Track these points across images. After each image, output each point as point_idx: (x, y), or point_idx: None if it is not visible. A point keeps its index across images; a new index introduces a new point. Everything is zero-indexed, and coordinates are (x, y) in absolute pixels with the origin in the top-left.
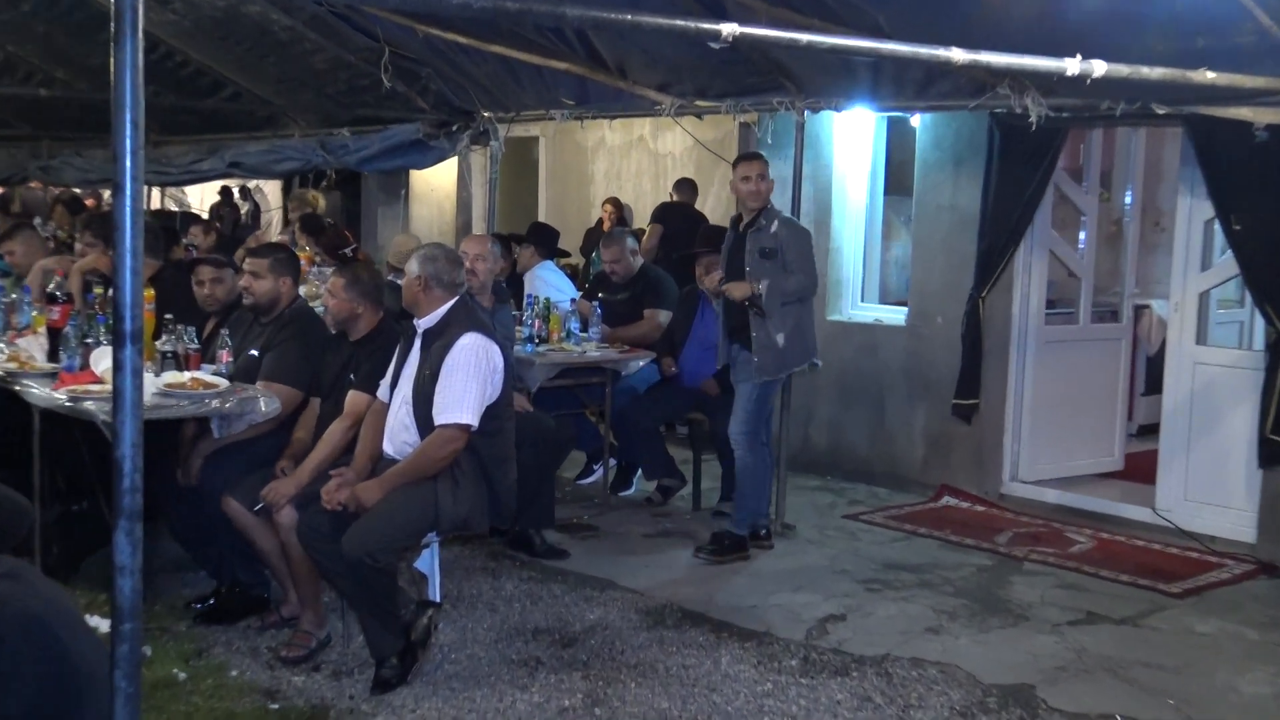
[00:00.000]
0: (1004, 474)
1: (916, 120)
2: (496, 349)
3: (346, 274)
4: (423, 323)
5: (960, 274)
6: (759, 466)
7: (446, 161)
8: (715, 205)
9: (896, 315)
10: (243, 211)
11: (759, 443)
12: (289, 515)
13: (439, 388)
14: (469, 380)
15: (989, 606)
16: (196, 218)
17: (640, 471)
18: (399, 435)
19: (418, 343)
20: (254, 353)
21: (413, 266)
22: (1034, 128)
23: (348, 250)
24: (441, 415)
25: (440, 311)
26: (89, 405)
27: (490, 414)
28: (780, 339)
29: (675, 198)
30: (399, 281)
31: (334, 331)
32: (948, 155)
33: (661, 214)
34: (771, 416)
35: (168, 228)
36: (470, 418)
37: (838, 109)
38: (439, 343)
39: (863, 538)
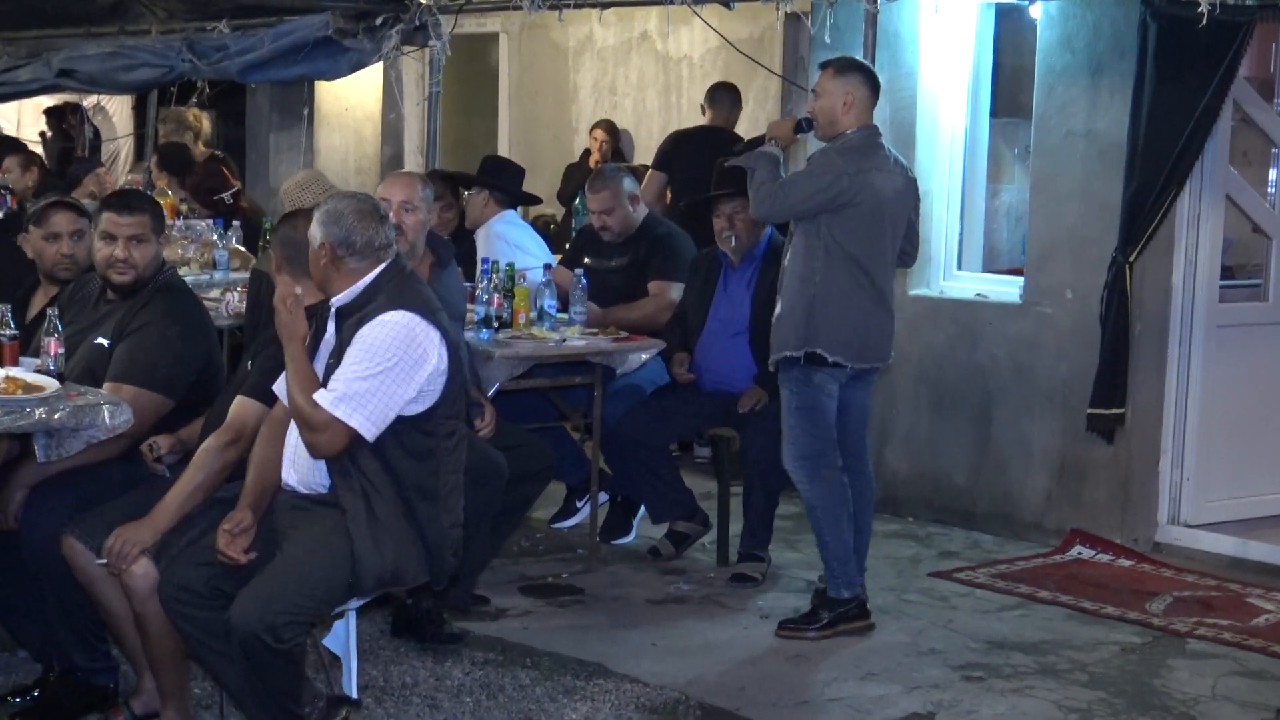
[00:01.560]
0: (1160, 514)
1: (1038, 10)
2: (437, 339)
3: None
4: (338, 299)
5: (1099, 229)
6: (825, 499)
7: (367, 69)
8: (751, 131)
9: (1008, 288)
10: (79, 140)
11: (822, 467)
12: (144, 574)
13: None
14: (373, 368)
15: (1138, 702)
16: (16, 145)
17: (643, 511)
18: (304, 458)
19: (331, 326)
20: (101, 341)
21: (314, 231)
22: (1206, 20)
23: (226, 195)
24: (324, 398)
25: (358, 286)
26: None
27: (420, 428)
28: (779, 307)
29: (708, 115)
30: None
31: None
32: (1082, 60)
33: (671, 152)
34: (853, 427)
35: None
36: (361, 421)
37: None
38: (353, 319)
39: (959, 605)
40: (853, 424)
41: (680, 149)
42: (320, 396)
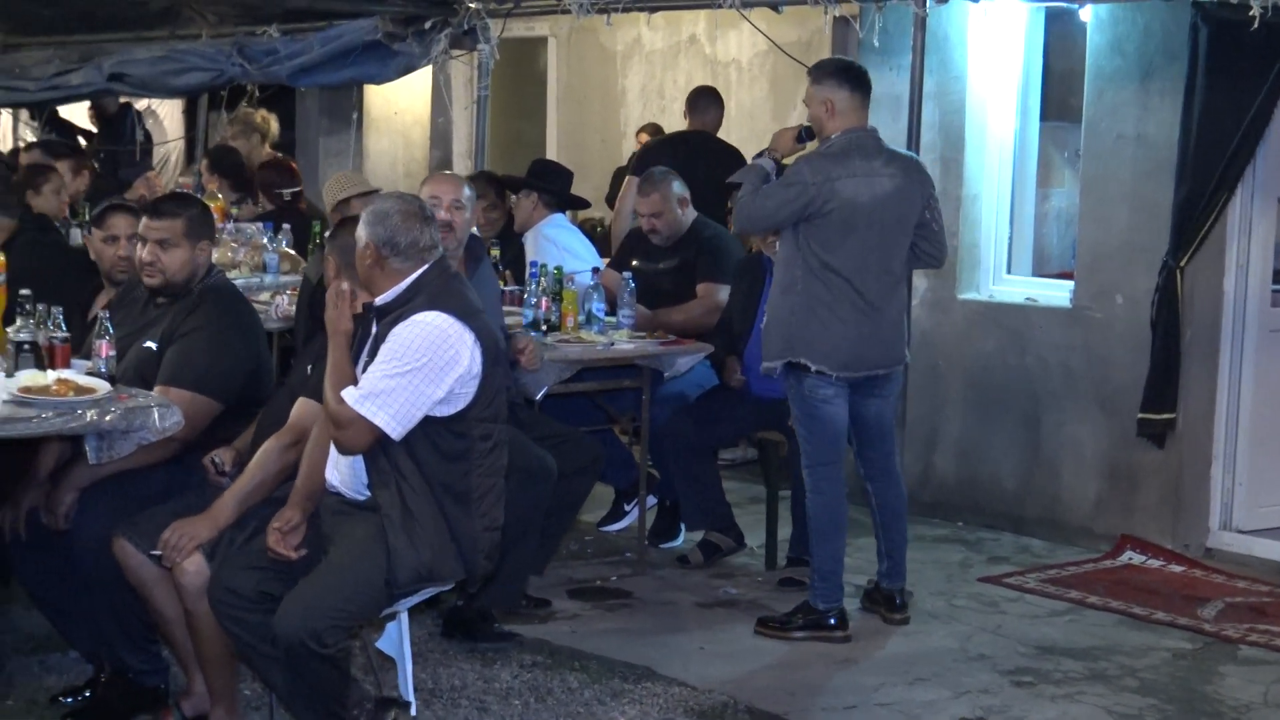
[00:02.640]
0: (1212, 520)
1: (1088, 13)
2: (471, 342)
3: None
4: (381, 298)
5: (1150, 234)
6: (822, 511)
7: (416, 73)
8: None
9: (1057, 292)
10: (134, 143)
11: (825, 479)
12: (197, 570)
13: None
14: (401, 368)
15: (1189, 708)
16: (69, 148)
17: None
18: (345, 458)
19: (374, 326)
20: (150, 344)
21: (360, 231)
22: (1257, 23)
23: (286, 192)
24: (350, 394)
25: (400, 286)
26: None
27: (451, 429)
28: (764, 316)
29: (688, 121)
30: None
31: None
32: (1132, 64)
33: (644, 162)
34: (871, 438)
35: (36, 166)
36: (386, 420)
37: None
38: (391, 318)
39: (1009, 610)
40: (871, 436)
41: (654, 157)
42: (348, 393)
